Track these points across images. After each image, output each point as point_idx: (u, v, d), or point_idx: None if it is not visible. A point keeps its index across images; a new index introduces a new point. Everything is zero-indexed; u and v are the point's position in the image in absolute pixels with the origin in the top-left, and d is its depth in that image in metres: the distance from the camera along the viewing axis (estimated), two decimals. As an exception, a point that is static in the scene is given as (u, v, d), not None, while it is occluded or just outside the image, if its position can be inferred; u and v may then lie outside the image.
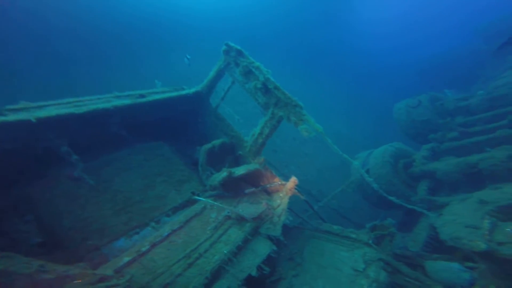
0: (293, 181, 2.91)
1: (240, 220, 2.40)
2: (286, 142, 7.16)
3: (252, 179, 3.04)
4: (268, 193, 3.04)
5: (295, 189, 2.89)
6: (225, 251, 2.06)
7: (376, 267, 2.19)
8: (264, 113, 3.11)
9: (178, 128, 3.72)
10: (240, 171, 2.83)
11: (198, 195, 2.77)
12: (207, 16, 14.94)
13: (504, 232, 2.08)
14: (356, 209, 5.61)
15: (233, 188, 2.81)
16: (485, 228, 2.13)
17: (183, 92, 3.42)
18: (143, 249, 2.02)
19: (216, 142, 3.23)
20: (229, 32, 13.08)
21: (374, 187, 2.73)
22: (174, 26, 12.21)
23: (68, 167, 2.51)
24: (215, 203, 2.53)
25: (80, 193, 2.48)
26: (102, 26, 9.31)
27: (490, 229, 2.13)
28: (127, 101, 2.83)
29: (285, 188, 2.91)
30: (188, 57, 5.33)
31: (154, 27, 11.43)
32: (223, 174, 2.67)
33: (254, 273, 2.01)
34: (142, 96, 3.07)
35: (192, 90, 3.50)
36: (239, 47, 3.06)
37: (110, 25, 9.62)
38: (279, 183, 3.04)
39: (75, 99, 2.68)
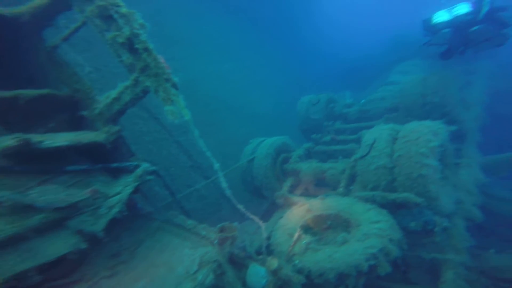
0: (142, 169, 2.47)
1: (24, 209, 1.83)
2: (196, 106, 6.94)
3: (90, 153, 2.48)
4: (114, 174, 2.53)
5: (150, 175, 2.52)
6: None
7: (208, 270, 2.25)
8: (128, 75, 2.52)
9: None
10: (55, 142, 2.12)
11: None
12: None
13: (300, 245, 2.87)
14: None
15: (43, 161, 2.14)
16: (292, 240, 2.89)
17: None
18: None
19: (31, 92, 2.40)
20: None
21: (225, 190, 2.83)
22: None
23: None
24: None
25: None
26: None
27: (295, 241, 2.88)
28: None
29: (136, 173, 2.47)
30: None
31: None
32: (7, 142, 1.92)
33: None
34: None
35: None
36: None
37: None
38: (133, 164, 2.59)
39: None
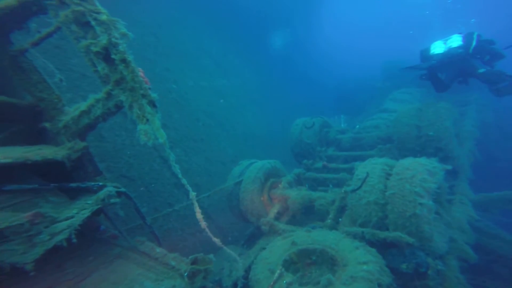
0: (105, 192, 2.19)
1: None
2: (186, 119, 6.62)
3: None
4: (72, 194, 2.26)
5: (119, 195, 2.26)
6: None
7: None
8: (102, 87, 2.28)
9: None
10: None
11: None
12: None
13: (281, 285, 2.59)
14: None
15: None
16: (273, 279, 2.61)
17: None
18: None
19: None
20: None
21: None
22: None
23: None
24: None
25: None
26: None
27: (275, 280, 2.61)
28: None
29: (98, 195, 2.19)
30: None
31: None
32: None
33: None
34: None
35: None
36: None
37: None
38: (97, 184, 2.34)
39: None
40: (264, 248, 3.16)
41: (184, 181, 2.19)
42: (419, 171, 3.07)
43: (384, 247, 2.96)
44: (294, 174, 4.97)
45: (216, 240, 2.35)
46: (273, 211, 4.41)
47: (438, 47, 5.62)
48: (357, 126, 7.93)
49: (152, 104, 2.09)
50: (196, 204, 2.21)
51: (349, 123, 11.07)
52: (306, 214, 4.44)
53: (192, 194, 2.22)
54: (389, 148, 5.09)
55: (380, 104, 9.64)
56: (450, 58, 5.38)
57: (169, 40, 7.53)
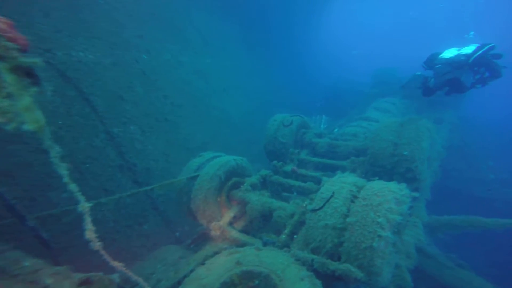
0: None
1: None
2: (151, 95, 5.86)
3: None
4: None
5: None
6: None
7: None
8: None
9: None
10: None
11: None
12: None
13: None
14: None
15: None
16: None
17: None
18: None
19: None
20: None
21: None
22: None
23: None
24: None
25: None
26: None
27: None
28: None
29: None
30: None
31: None
32: None
33: None
34: None
35: None
36: None
37: None
38: None
39: None
40: (202, 264, 2.80)
41: (73, 186, 1.64)
42: (387, 200, 2.81)
43: (330, 280, 2.76)
44: (260, 176, 4.60)
45: (117, 264, 1.84)
46: (229, 214, 4.05)
47: (450, 52, 5.41)
48: (336, 130, 7.71)
49: (25, 72, 1.43)
50: (88, 220, 1.69)
51: (330, 125, 10.87)
52: (265, 220, 4.14)
53: (84, 206, 1.69)
54: (362, 162, 4.87)
55: (363, 110, 9.49)
56: (451, 64, 5.21)
57: (148, 3, 6.61)
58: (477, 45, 5.14)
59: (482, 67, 5.13)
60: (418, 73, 5.55)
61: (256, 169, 6.46)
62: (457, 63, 5.10)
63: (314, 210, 3.00)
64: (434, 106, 10.87)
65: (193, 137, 6.43)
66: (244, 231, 4.11)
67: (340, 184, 3.13)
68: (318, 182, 4.45)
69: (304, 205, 3.62)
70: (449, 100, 10.96)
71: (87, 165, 3.97)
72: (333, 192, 3.03)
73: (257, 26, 12.49)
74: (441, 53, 5.53)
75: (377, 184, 3.07)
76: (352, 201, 2.98)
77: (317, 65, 18.44)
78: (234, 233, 3.78)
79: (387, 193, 2.86)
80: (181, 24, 7.73)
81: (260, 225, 4.23)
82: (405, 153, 4.48)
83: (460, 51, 5.22)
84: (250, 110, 9.91)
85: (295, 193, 4.52)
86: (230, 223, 4.05)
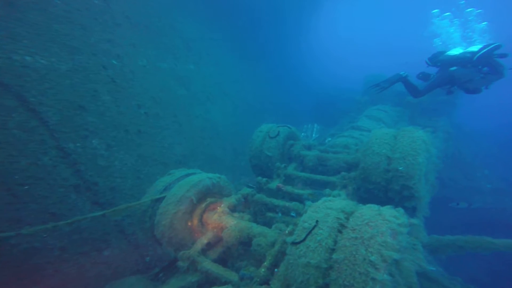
0: None
1: None
2: (123, 103, 5.29)
3: None
4: None
5: None
6: None
7: None
8: None
9: None
10: None
11: None
12: None
13: None
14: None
15: None
16: None
17: None
18: None
19: None
20: None
21: None
22: None
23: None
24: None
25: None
26: None
27: None
28: None
29: None
30: None
31: None
32: None
33: None
34: None
35: None
36: None
37: None
38: None
39: None
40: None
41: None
42: (381, 231, 2.33)
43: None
44: (241, 195, 4.11)
45: None
46: (202, 241, 3.52)
47: (455, 51, 5.38)
48: (328, 139, 7.31)
49: None
50: None
51: (322, 134, 10.48)
52: (246, 246, 3.63)
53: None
54: (353, 178, 4.42)
55: (355, 118, 9.15)
56: (456, 60, 5.18)
57: (121, 5, 6.13)
58: (481, 44, 5.13)
59: (486, 66, 4.99)
60: (402, 72, 5.55)
61: (243, 183, 5.94)
62: (461, 60, 5.08)
63: (294, 244, 2.51)
64: (427, 113, 10.64)
65: (171, 150, 5.90)
66: (221, 259, 3.59)
67: (325, 210, 2.66)
68: (304, 202, 3.97)
69: (287, 232, 3.12)
70: (442, 107, 10.72)
71: (26, 187, 3.40)
72: (316, 221, 2.55)
73: (246, 31, 12.15)
74: (446, 51, 5.50)
75: (369, 211, 2.60)
76: (340, 231, 2.50)
77: (308, 72, 18.23)
78: (206, 264, 3.25)
79: (381, 223, 2.39)
80: (160, 28, 7.28)
81: (240, 252, 3.70)
82: (401, 168, 4.06)
83: (467, 49, 5.19)
84: (238, 119, 9.44)
85: (279, 214, 4.03)
86: (204, 251, 3.51)
